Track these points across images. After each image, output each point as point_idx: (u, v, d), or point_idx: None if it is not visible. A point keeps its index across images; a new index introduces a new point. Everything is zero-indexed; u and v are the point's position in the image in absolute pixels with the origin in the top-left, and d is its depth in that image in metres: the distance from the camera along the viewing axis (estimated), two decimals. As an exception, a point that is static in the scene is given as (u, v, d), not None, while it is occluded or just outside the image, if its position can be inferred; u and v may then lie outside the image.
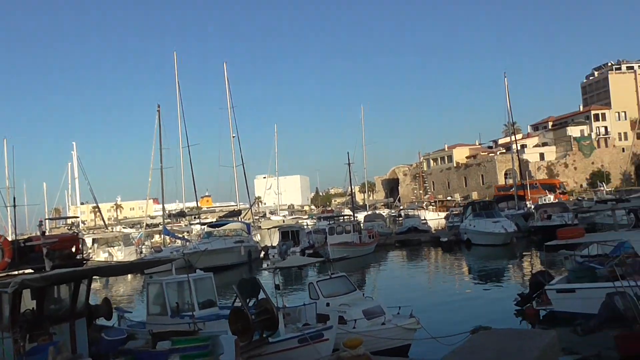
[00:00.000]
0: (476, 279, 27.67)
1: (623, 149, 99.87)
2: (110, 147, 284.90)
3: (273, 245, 45.65)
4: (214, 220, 60.01)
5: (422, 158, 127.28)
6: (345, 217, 47.17)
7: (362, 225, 49.18)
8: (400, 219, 70.41)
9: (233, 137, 58.93)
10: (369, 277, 32.09)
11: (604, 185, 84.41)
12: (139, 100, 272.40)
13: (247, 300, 14.75)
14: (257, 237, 53.25)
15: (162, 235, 50.57)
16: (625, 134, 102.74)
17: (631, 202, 31.42)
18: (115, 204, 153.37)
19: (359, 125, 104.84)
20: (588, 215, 37.51)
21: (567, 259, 19.39)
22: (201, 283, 14.59)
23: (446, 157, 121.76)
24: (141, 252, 45.00)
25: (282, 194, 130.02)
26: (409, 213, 69.34)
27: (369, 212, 72.32)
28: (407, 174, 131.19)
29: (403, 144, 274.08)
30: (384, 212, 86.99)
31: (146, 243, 51.80)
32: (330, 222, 42.45)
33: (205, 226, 47.52)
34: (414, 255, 39.77)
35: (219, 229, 45.37)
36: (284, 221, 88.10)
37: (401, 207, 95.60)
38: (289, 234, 44.42)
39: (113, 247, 45.80)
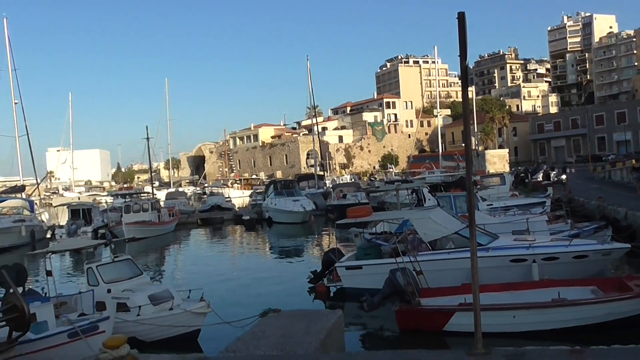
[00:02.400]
0: (275, 257, 27.98)
1: (409, 135, 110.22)
2: None
3: (61, 224, 41.46)
4: (-8, 197, 52.87)
5: (228, 136, 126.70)
6: (143, 195, 44.68)
7: (162, 203, 47.07)
8: (204, 196, 69.16)
9: (15, 103, 52.30)
10: (165, 257, 30.68)
11: (393, 167, 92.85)
12: None
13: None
14: (45, 216, 48.02)
15: None
16: (412, 121, 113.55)
17: (414, 183, 34.43)
18: None
19: (164, 99, 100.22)
20: (378, 195, 40.31)
21: (357, 236, 20.35)
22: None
23: (252, 136, 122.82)
24: None
25: (79, 169, 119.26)
26: (214, 191, 68.40)
27: (171, 190, 69.72)
28: (213, 152, 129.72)
29: (210, 122, 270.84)
30: (189, 189, 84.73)
31: None
32: (127, 200, 39.78)
33: (-25, 204, 41.31)
34: (216, 234, 39.13)
35: (-5, 206, 39.83)
36: (79, 198, 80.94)
37: (206, 185, 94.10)
38: (80, 212, 40.67)
39: None
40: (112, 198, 54.71)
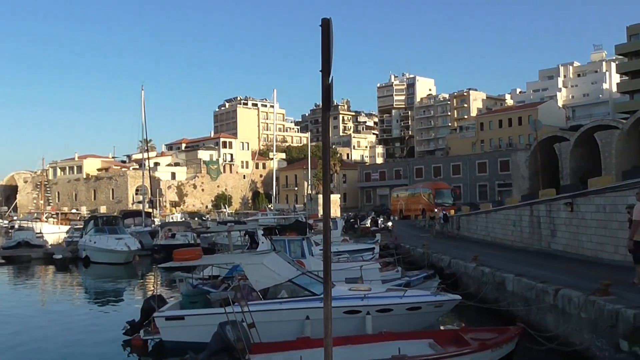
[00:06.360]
0: (88, 303, 24.72)
1: (244, 175, 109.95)
2: None
3: None
4: None
5: (47, 165, 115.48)
6: None
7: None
8: (11, 231, 61.22)
9: None
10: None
11: (226, 207, 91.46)
12: None
13: None
14: None
15: None
16: (247, 162, 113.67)
17: (247, 224, 33.27)
18: None
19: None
20: (209, 235, 38.45)
21: (182, 281, 18.52)
22: None
23: (76, 167, 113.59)
24: None
25: None
26: (23, 225, 60.97)
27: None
28: (28, 181, 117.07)
29: (27, 149, 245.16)
30: (-6, 222, 74.88)
31: None
32: None
33: None
34: (20, 275, 34.10)
35: None
36: None
37: (15, 218, 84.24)
38: None
39: None
40: None
